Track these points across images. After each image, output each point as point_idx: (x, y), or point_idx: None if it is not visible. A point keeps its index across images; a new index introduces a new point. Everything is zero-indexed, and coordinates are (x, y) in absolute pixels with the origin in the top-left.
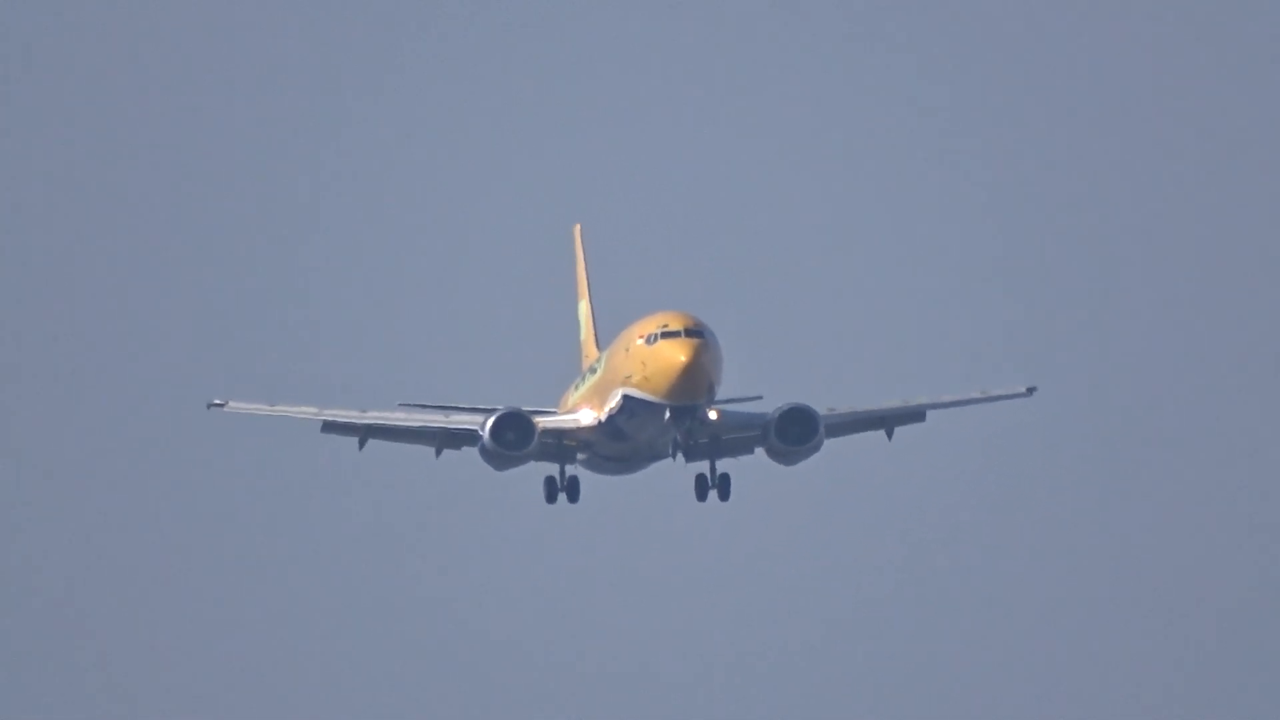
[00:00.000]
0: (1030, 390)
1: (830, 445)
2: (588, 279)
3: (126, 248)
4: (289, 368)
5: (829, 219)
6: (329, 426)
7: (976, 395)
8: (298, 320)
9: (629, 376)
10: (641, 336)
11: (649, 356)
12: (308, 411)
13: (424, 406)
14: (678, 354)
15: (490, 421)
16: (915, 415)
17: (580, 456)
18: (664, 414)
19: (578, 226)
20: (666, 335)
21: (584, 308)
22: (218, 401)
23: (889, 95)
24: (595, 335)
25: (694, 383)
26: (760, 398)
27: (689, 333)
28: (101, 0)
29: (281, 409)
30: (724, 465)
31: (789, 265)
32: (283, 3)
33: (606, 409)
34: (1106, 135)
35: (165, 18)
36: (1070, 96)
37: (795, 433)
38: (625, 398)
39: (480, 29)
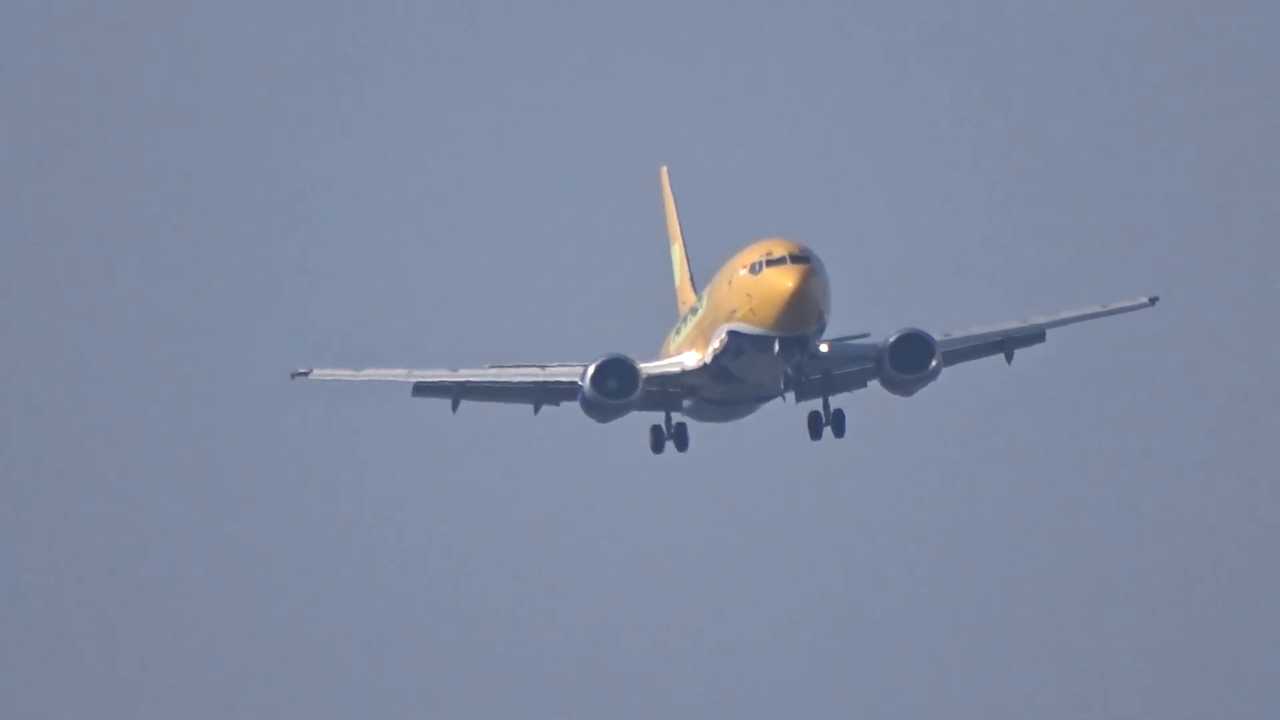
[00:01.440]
0: (1153, 300)
1: (947, 374)
2: (679, 222)
3: (193, 222)
4: (373, 333)
5: (921, 144)
6: (420, 389)
7: (1097, 309)
8: (380, 283)
9: (734, 311)
10: (744, 267)
11: (754, 286)
12: (398, 374)
13: (517, 366)
14: (785, 280)
15: (591, 369)
16: (1035, 335)
17: (685, 404)
18: (774, 346)
19: (664, 169)
20: (772, 263)
21: (677, 252)
22: (302, 370)
23: (972, 21)
24: (691, 279)
25: (804, 310)
26: (868, 335)
27: (795, 259)
28: None
29: (370, 373)
30: (837, 401)
31: (886, 195)
32: None
33: (711, 349)
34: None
35: None
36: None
37: (911, 360)
38: (731, 334)
39: None
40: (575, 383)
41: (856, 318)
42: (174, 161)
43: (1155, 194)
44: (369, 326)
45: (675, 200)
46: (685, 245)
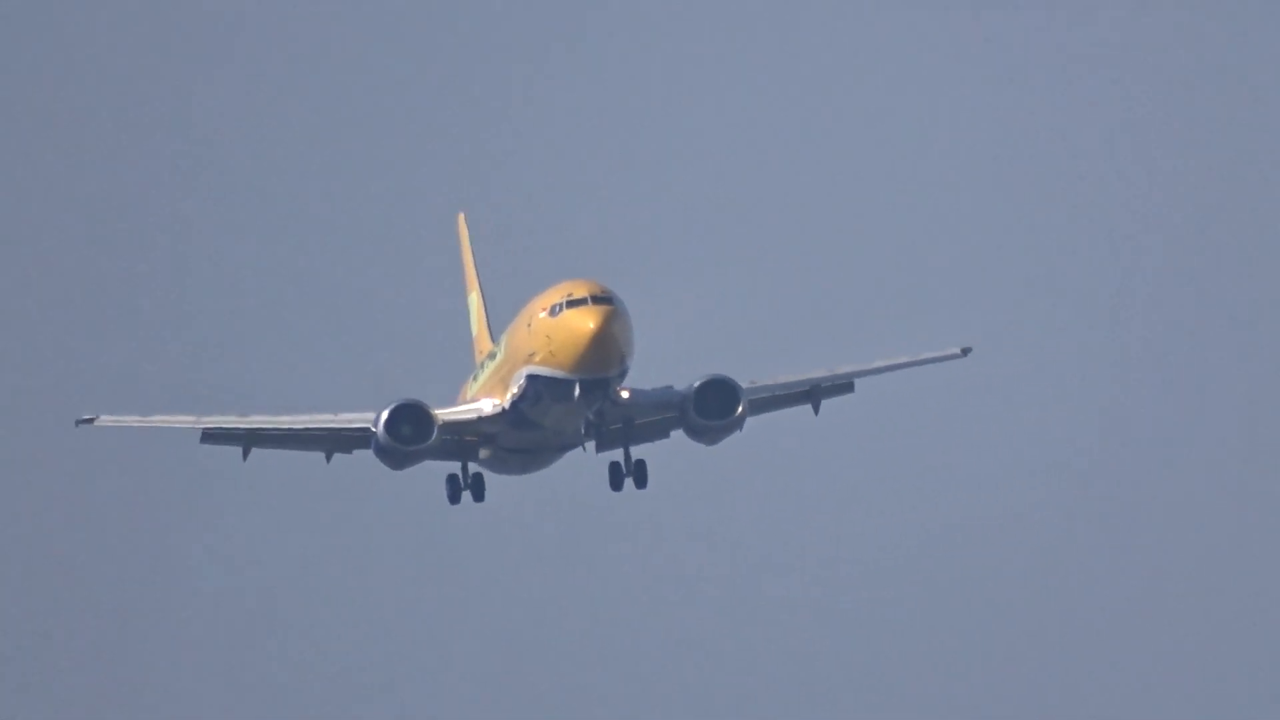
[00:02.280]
0: (965, 351)
1: (753, 423)
2: (476, 269)
3: None
4: (161, 379)
5: (732, 189)
6: (209, 435)
7: (907, 359)
8: (168, 328)
9: (533, 353)
10: (544, 309)
11: (554, 328)
12: (186, 420)
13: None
14: (586, 321)
15: (385, 415)
16: (843, 385)
17: (483, 454)
18: (574, 390)
19: (461, 215)
20: (572, 304)
21: (475, 299)
22: (87, 417)
23: (792, 49)
24: (489, 327)
25: (605, 352)
26: (671, 387)
27: (596, 300)
28: None
29: (157, 420)
30: (640, 451)
31: (698, 239)
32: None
33: (510, 394)
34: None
35: None
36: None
37: (715, 407)
38: (530, 378)
39: (350, 19)
40: (368, 429)
41: (662, 365)
42: None
43: (968, 246)
44: (159, 373)
45: (473, 247)
46: (483, 292)
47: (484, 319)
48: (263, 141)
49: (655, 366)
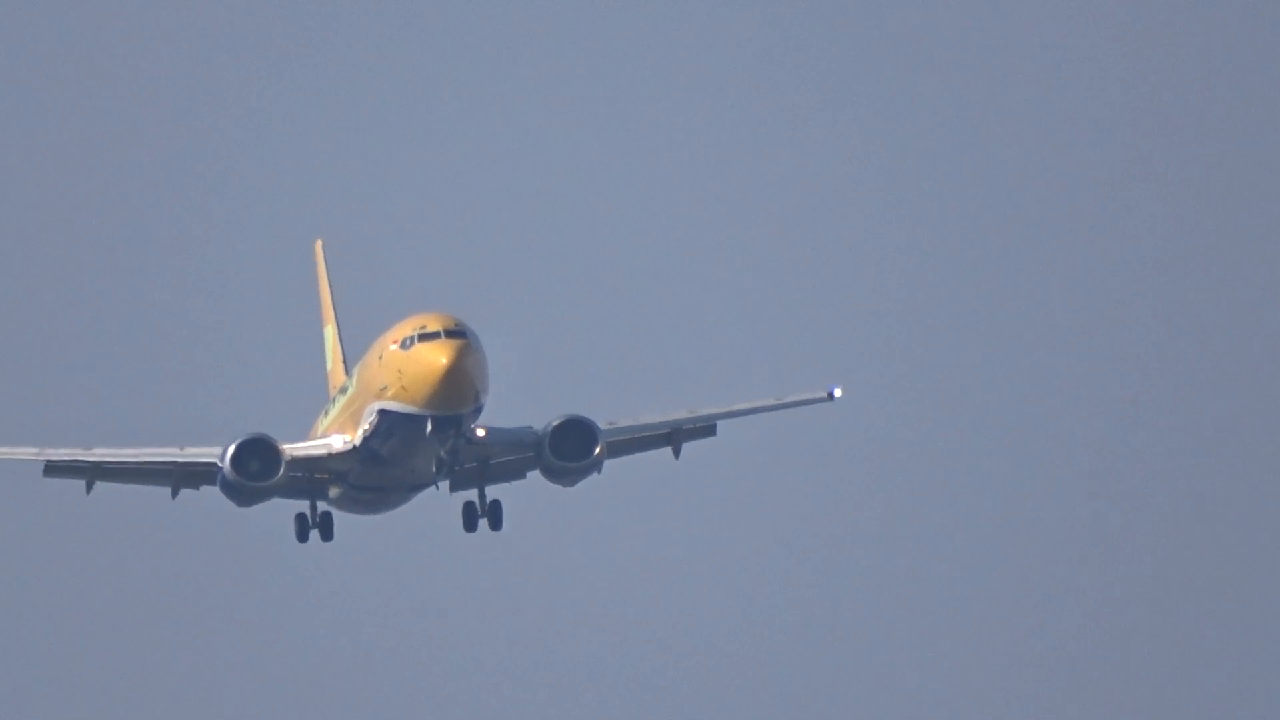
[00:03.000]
0: (831, 394)
1: (612, 466)
2: (333, 300)
3: None
4: (2, 408)
5: (597, 219)
6: (52, 468)
7: (772, 402)
8: (9, 355)
9: (384, 388)
10: (396, 342)
11: (406, 362)
12: (27, 452)
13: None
14: (438, 356)
15: (231, 449)
16: (706, 428)
17: (333, 493)
18: (425, 427)
19: (319, 243)
20: (425, 337)
21: (330, 332)
22: None
23: (650, 79)
24: (345, 361)
25: (458, 388)
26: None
27: (449, 333)
28: None
29: None
30: (495, 492)
31: (559, 274)
32: None
33: (361, 430)
34: (891, 118)
35: None
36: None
37: (572, 448)
38: (381, 413)
39: (209, 35)
40: (214, 464)
41: (522, 401)
42: None
43: (835, 286)
44: (24, 402)
45: (330, 277)
46: (339, 325)
47: (340, 352)
48: (116, 156)
49: (513, 405)
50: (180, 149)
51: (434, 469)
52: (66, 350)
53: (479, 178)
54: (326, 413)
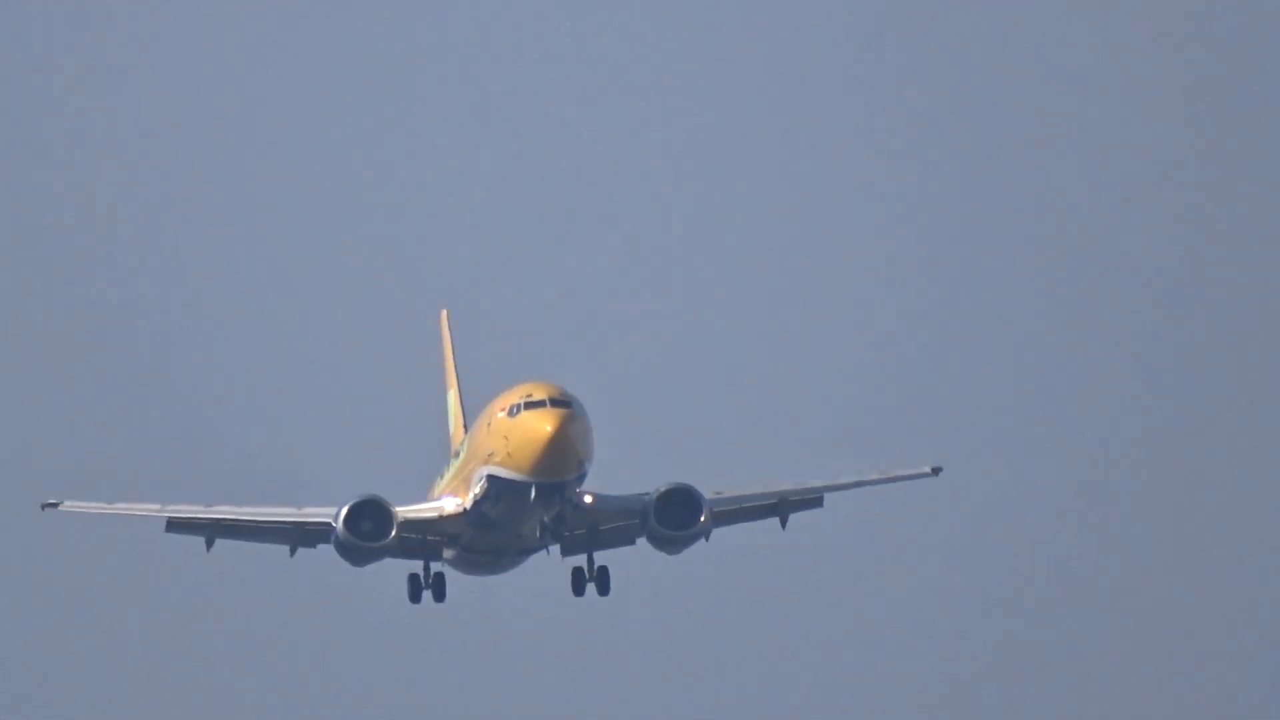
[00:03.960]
0: (936, 470)
1: (720, 535)
2: (456, 367)
3: None
4: (133, 466)
5: (713, 296)
6: (174, 525)
7: (877, 476)
8: (146, 416)
9: (491, 454)
10: (503, 409)
11: (511, 429)
12: (150, 509)
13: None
14: (543, 424)
15: (344, 510)
16: (812, 500)
17: (447, 554)
18: (530, 493)
19: (444, 312)
20: (530, 406)
21: (453, 398)
22: (52, 501)
23: (769, 176)
24: (465, 425)
25: (561, 456)
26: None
27: (554, 402)
28: None
29: (121, 507)
30: (604, 558)
31: (673, 346)
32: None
33: (471, 494)
34: (1006, 201)
35: None
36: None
37: (677, 516)
38: (489, 478)
39: (346, 112)
40: (329, 524)
41: (633, 469)
42: None
43: (940, 362)
44: (133, 461)
45: (453, 345)
46: (461, 391)
47: (461, 417)
48: (247, 229)
49: (622, 473)
50: (317, 223)
51: (540, 534)
52: (213, 410)
53: (596, 251)
54: (442, 475)
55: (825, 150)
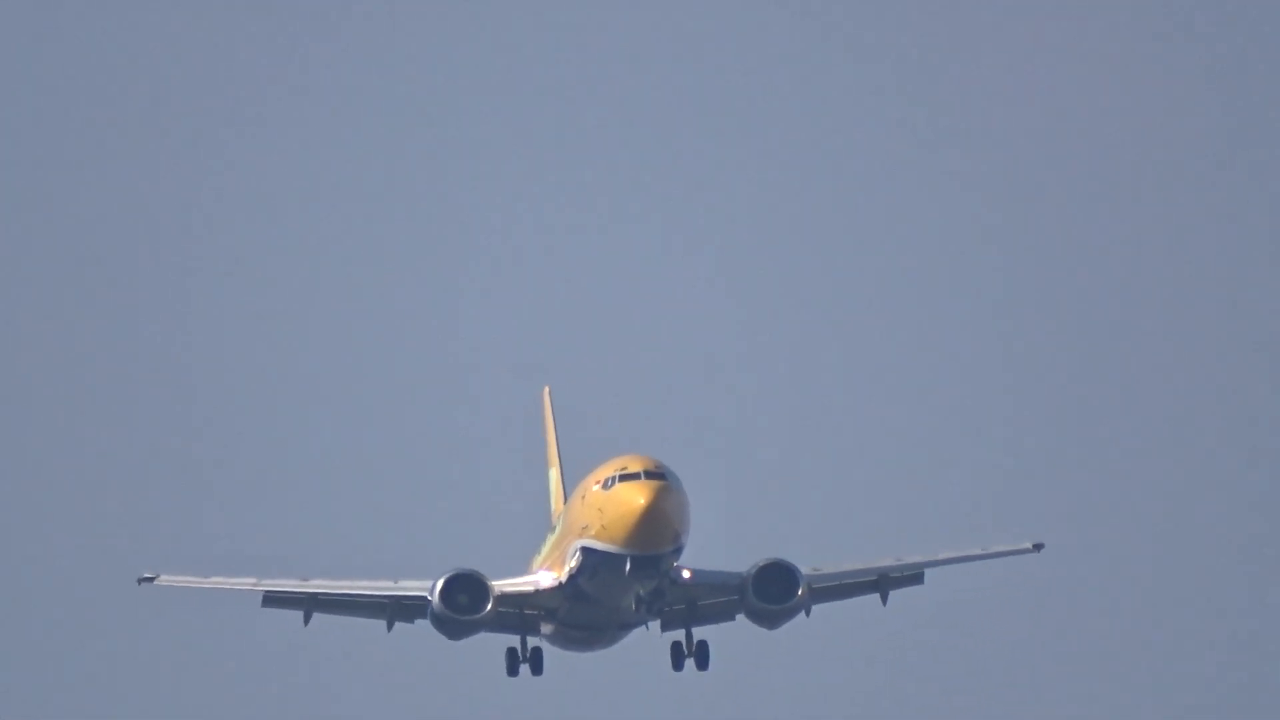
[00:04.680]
0: (1038, 546)
1: (820, 610)
2: (558, 444)
3: (29, 420)
4: (231, 542)
5: (813, 372)
6: (270, 599)
7: (978, 552)
8: (247, 492)
9: (586, 526)
10: (598, 482)
11: (606, 502)
12: (246, 583)
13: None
14: (636, 497)
15: (440, 583)
16: (913, 576)
17: (545, 629)
18: (625, 566)
19: (546, 389)
20: (625, 478)
21: (554, 475)
22: (149, 575)
23: (861, 231)
24: (565, 500)
25: (655, 529)
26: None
27: (649, 475)
28: None
29: (217, 581)
30: (704, 633)
31: (774, 422)
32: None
33: (567, 568)
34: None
35: None
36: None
37: (775, 591)
38: (584, 550)
39: (435, 172)
40: (425, 597)
41: (734, 545)
42: None
43: (1039, 438)
44: (231, 537)
45: (555, 422)
46: (562, 468)
47: (561, 493)
48: (352, 301)
49: (723, 550)
50: (423, 299)
51: (637, 608)
52: (300, 494)
53: (696, 325)
54: (540, 551)
55: (927, 224)
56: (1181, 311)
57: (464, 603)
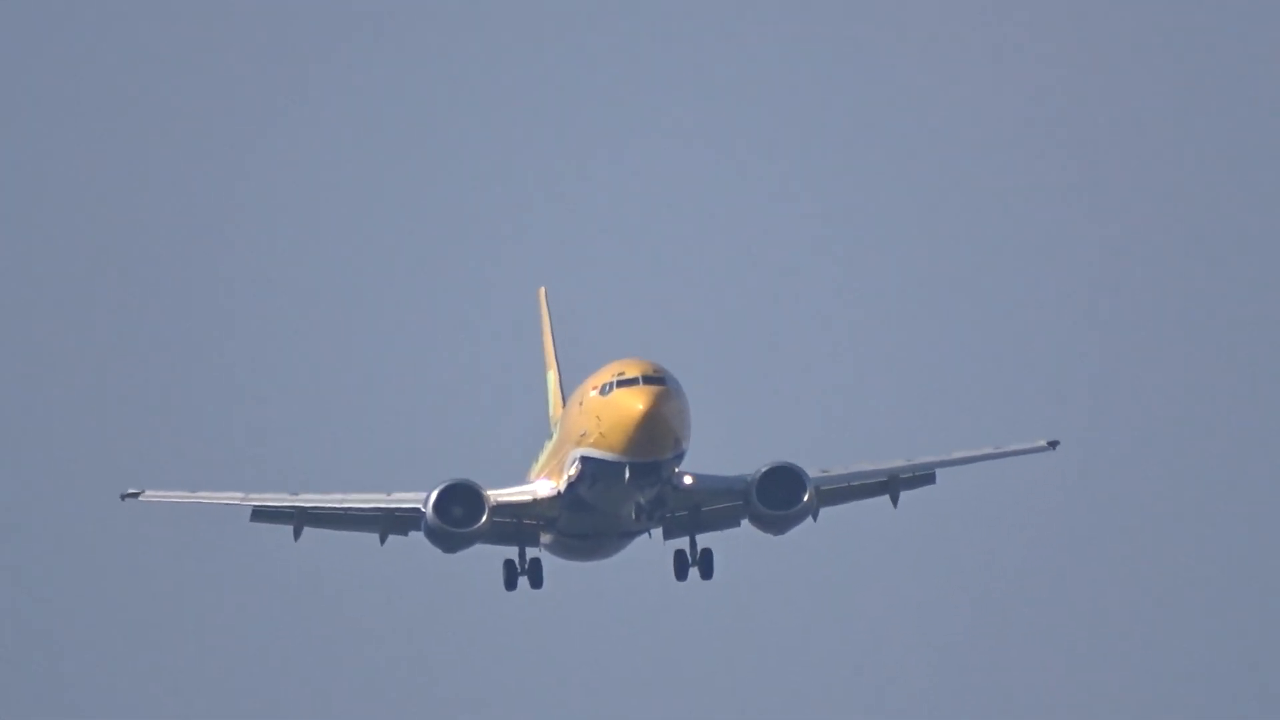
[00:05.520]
0: (1053, 444)
1: (828, 514)
2: (555, 346)
3: (32, 327)
4: (224, 453)
5: (818, 268)
6: (259, 513)
7: (991, 451)
8: (236, 400)
9: (584, 434)
10: (595, 388)
11: (604, 408)
12: (234, 497)
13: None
14: (635, 403)
15: (434, 495)
16: (924, 476)
17: (544, 539)
18: (624, 473)
19: (542, 290)
20: (623, 383)
21: (552, 378)
22: (133, 491)
23: (871, 144)
24: (563, 406)
25: (654, 435)
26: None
27: (648, 379)
28: None
29: (204, 496)
30: (708, 540)
31: (776, 322)
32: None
33: (565, 476)
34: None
35: None
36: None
37: (780, 496)
38: (583, 459)
39: (436, 86)
40: (419, 509)
41: (740, 448)
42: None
43: (1052, 336)
44: (224, 447)
45: (552, 323)
46: (560, 371)
47: (559, 397)
48: (339, 211)
49: (729, 454)
50: (413, 202)
51: (638, 516)
52: (293, 403)
53: (699, 227)
54: (538, 458)
55: (931, 128)
56: (1197, 202)
57: (458, 515)
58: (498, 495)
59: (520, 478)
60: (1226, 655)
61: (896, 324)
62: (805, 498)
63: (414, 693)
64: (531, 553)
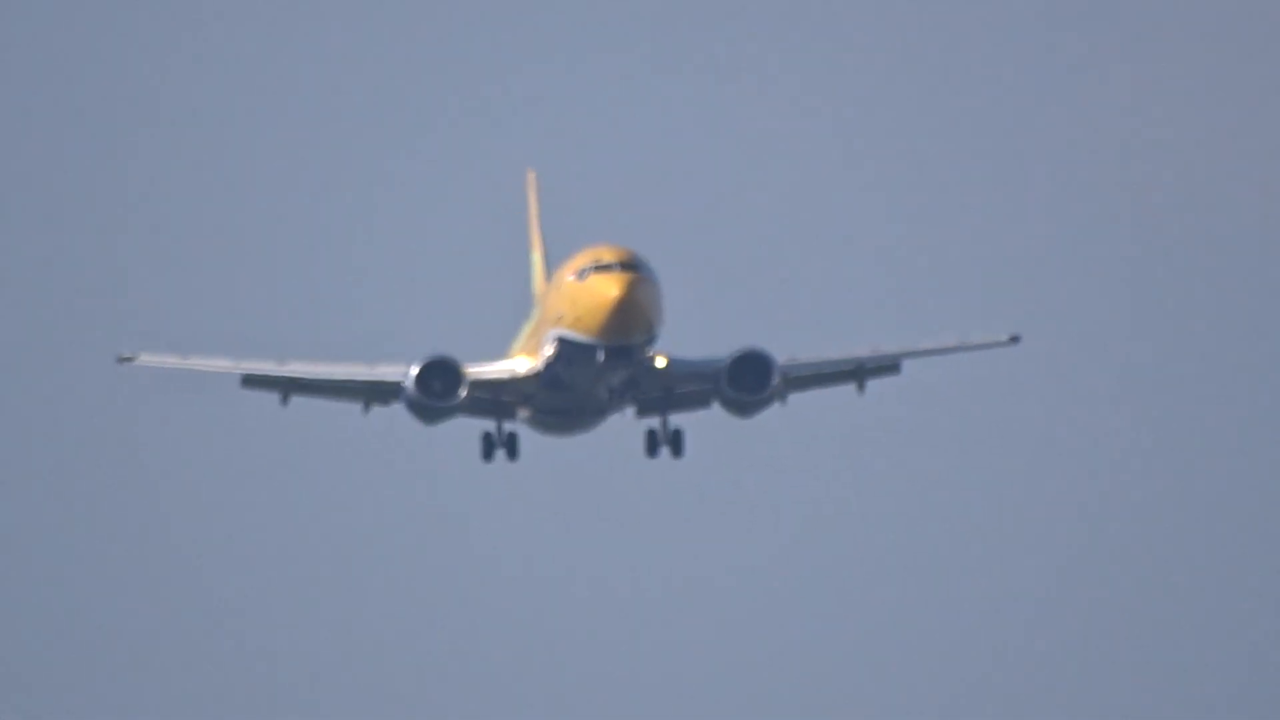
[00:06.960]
0: (1014, 339)
1: (796, 399)
2: (541, 228)
3: (26, 199)
4: (215, 321)
5: (792, 160)
6: (249, 380)
7: (954, 344)
8: (230, 272)
9: (561, 316)
10: (573, 272)
11: (580, 292)
12: (224, 365)
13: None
14: (610, 288)
15: (415, 370)
16: (889, 366)
17: (522, 414)
18: (597, 356)
19: (531, 173)
20: (599, 269)
21: (537, 259)
22: (127, 355)
23: (849, 32)
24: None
25: (628, 320)
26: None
27: (624, 266)
28: None
29: (195, 362)
30: (680, 420)
31: (754, 210)
32: None
33: (543, 355)
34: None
35: None
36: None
37: (749, 380)
38: (559, 340)
39: None
40: (400, 383)
41: (713, 334)
42: None
43: (1020, 230)
44: (215, 316)
45: (540, 206)
46: (546, 252)
47: (545, 278)
48: (330, 87)
49: (702, 338)
50: (406, 83)
51: (612, 395)
52: (284, 277)
53: (678, 115)
54: (518, 337)
55: (913, 22)
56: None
57: (438, 389)
58: (477, 371)
59: (503, 353)
60: (1184, 545)
61: (871, 219)
62: (773, 383)
63: (389, 557)
64: (509, 426)
